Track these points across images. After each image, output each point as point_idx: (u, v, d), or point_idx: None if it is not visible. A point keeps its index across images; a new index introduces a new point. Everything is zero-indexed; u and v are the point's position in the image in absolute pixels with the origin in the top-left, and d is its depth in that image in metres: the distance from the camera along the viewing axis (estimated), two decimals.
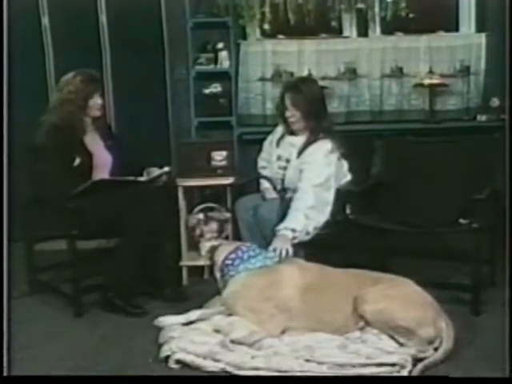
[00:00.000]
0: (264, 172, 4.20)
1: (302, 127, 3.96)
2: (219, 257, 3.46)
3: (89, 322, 3.67)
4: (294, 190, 3.88)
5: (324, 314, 3.20)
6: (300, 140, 3.97)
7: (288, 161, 3.99)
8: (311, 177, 3.79)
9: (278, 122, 4.15)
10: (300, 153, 3.92)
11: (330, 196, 3.83)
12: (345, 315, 3.17)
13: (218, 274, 3.47)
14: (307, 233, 3.69)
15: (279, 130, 4.14)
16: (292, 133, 4.03)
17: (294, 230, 3.61)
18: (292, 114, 3.93)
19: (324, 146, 3.88)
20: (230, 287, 3.36)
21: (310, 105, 3.90)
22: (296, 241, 3.62)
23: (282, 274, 3.32)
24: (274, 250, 3.49)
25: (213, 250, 3.56)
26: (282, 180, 4.03)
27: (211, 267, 3.56)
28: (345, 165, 4.01)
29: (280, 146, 4.08)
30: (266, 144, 4.23)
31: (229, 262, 3.41)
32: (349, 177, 4.04)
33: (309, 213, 3.70)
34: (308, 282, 3.27)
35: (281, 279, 3.29)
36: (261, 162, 4.26)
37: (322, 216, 3.77)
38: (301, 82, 4.11)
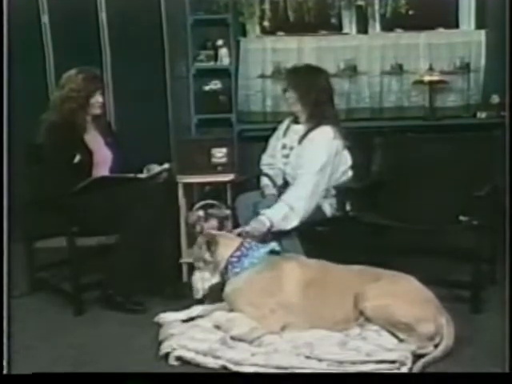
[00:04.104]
0: (266, 169, 4.22)
1: (299, 110, 4.01)
2: (223, 255, 3.43)
3: (89, 320, 3.68)
4: (295, 177, 3.90)
5: (324, 309, 3.21)
6: (303, 127, 4.00)
7: (291, 148, 4.04)
8: (309, 164, 3.85)
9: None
10: (301, 139, 3.96)
11: (324, 183, 3.86)
12: (345, 311, 3.18)
13: (222, 271, 3.46)
14: (291, 222, 3.76)
15: (285, 123, 4.19)
16: (296, 122, 4.08)
17: (271, 221, 3.70)
18: (289, 95, 4.02)
19: (324, 132, 3.92)
20: (232, 284, 3.37)
21: (308, 89, 3.95)
22: (275, 229, 3.72)
23: (283, 270, 3.32)
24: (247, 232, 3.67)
25: (211, 243, 3.45)
26: (284, 171, 4.07)
27: (204, 261, 3.48)
28: (348, 160, 4.02)
29: (286, 135, 4.14)
30: (273, 139, 4.27)
31: (234, 259, 3.40)
32: (349, 173, 4.05)
33: (296, 204, 3.76)
34: (309, 278, 3.28)
35: (282, 275, 3.30)
36: (265, 159, 4.28)
37: (311, 204, 3.82)
38: (304, 67, 4.21)
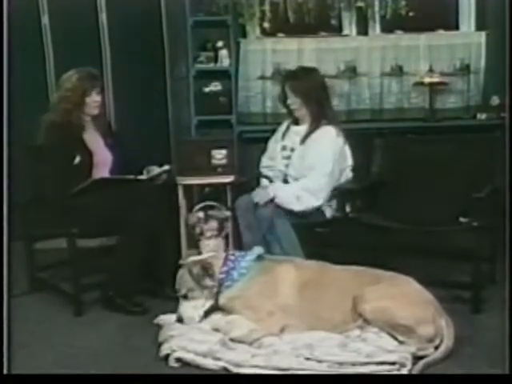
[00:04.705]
0: (266, 171, 4.22)
1: (304, 114, 4.01)
2: (215, 273, 3.39)
3: (89, 321, 3.67)
4: (297, 179, 3.91)
5: (322, 310, 3.20)
6: (303, 128, 4.01)
7: (292, 150, 4.05)
8: (321, 166, 3.86)
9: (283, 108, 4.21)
10: (303, 140, 3.96)
11: (332, 184, 3.90)
12: (344, 312, 3.17)
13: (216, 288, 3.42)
14: (294, 206, 3.81)
15: (284, 125, 4.20)
16: (296, 123, 4.09)
17: (275, 195, 3.78)
18: (293, 102, 4.01)
19: (328, 131, 3.93)
20: (227, 294, 3.34)
21: (310, 91, 3.96)
22: (277, 201, 3.78)
23: (277, 273, 3.32)
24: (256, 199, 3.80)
25: (208, 268, 3.40)
26: (285, 172, 4.06)
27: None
28: (349, 159, 4.02)
29: (285, 137, 4.15)
30: (271, 141, 4.28)
31: (223, 275, 3.38)
32: (349, 174, 4.05)
33: (301, 194, 3.80)
34: (306, 280, 3.28)
35: (277, 278, 3.30)
36: (264, 161, 4.28)
37: (316, 200, 3.85)
38: (300, 70, 4.21)
